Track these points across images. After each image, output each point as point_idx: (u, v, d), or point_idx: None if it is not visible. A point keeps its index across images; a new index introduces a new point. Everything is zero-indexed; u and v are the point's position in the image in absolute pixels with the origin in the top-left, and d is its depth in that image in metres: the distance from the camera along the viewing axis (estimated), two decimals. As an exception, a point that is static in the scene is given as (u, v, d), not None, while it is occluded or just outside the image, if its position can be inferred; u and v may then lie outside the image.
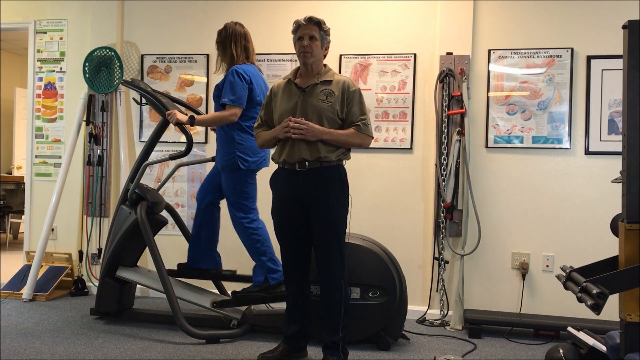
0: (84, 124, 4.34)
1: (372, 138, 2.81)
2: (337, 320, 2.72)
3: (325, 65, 2.84)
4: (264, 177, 3.40)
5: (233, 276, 3.64)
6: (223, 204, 3.47)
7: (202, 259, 3.52)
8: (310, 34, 2.73)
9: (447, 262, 3.75)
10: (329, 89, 2.74)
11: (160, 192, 3.75)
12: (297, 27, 2.76)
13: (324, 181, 2.70)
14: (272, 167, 2.97)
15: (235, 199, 3.27)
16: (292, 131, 2.65)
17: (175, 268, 3.57)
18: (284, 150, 2.74)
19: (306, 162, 2.69)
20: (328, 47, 2.85)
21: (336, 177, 2.73)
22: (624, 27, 2.15)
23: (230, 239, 3.90)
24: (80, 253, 4.35)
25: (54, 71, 4.53)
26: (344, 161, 2.80)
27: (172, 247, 4.06)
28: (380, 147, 3.95)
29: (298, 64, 2.84)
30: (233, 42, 3.29)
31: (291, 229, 2.80)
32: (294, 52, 2.81)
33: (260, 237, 3.28)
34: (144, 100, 4.06)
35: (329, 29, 2.82)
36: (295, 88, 2.77)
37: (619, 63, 3.51)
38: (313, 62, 2.76)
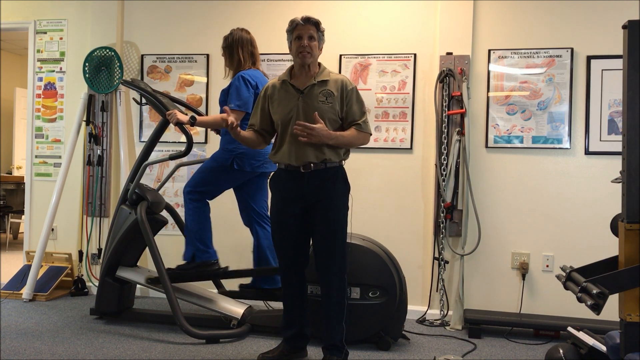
0: (84, 124, 4.34)
1: (371, 134, 2.83)
2: (338, 320, 2.73)
3: (319, 65, 2.81)
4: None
5: (226, 273, 3.56)
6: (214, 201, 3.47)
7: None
8: (309, 34, 2.71)
9: (447, 262, 3.75)
10: (327, 90, 2.72)
11: (160, 192, 3.75)
12: (295, 27, 2.73)
13: (329, 181, 2.70)
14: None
15: (203, 178, 3.32)
16: (299, 133, 2.59)
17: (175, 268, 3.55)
18: (289, 154, 2.70)
19: (311, 164, 2.69)
20: (322, 48, 2.82)
21: (339, 177, 2.74)
22: (624, 27, 2.15)
23: (230, 236, 3.90)
24: (80, 253, 4.35)
25: (54, 71, 4.53)
26: (344, 161, 2.81)
27: (172, 247, 4.06)
28: (380, 147, 3.95)
29: (298, 64, 2.83)
30: (240, 48, 3.31)
31: (291, 230, 2.78)
32: (292, 52, 2.80)
33: (200, 215, 3.34)
34: (144, 100, 4.06)
35: (324, 29, 2.80)
36: (292, 89, 2.74)
37: (619, 63, 3.51)
38: (312, 62, 2.74)
